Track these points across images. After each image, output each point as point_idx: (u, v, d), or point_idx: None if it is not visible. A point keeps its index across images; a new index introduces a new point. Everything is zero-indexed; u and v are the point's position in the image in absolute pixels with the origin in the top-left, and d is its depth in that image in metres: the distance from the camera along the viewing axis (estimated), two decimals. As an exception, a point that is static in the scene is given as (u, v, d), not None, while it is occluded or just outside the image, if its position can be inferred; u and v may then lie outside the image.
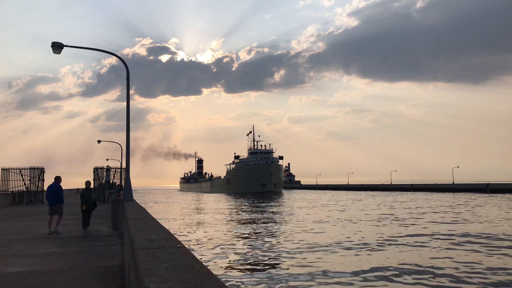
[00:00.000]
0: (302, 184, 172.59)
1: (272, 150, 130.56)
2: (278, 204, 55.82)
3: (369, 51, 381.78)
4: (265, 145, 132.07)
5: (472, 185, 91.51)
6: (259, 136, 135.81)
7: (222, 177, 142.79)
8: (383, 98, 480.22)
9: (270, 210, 44.44)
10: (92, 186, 16.49)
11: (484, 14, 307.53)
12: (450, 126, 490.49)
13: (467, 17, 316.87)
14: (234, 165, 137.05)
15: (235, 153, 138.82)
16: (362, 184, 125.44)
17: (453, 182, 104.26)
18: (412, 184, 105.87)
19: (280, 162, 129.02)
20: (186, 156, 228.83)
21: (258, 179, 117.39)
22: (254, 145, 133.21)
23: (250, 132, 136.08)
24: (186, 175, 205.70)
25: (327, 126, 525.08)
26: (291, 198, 74.03)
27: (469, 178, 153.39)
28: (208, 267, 2.92)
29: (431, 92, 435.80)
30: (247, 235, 24.10)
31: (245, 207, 51.56)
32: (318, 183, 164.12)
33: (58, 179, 15.39)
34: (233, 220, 33.65)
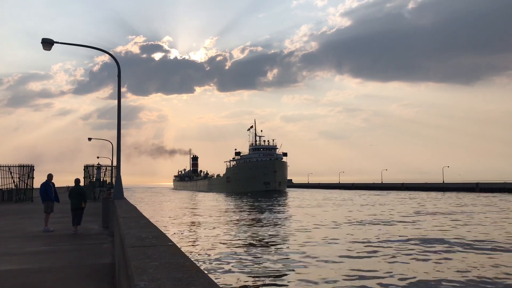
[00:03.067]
0: (294, 182, 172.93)
1: (276, 146, 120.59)
2: (287, 206, 54.78)
3: (361, 51, 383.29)
4: (268, 141, 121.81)
5: (462, 184, 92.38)
6: (261, 131, 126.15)
7: (222, 175, 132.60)
8: (375, 97, 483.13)
9: (283, 212, 40.21)
10: (81, 184, 16.34)
11: (475, 16, 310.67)
12: (441, 126, 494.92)
13: (459, 18, 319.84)
14: (235, 162, 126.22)
15: (235, 149, 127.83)
16: (353, 183, 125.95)
17: (443, 181, 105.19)
18: (403, 183, 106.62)
19: (284, 159, 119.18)
20: (170, 152, 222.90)
21: (261, 177, 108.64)
22: (255, 141, 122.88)
23: (252, 127, 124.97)
24: (180, 173, 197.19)
25: (320, 125, 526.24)
26: (298, 198, 70.44)
27: (459, 177, 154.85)
28: (199, 265, 2.92)
29: (423, 92, 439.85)
30: (241, 235, 24.10)
31: (249, 208, 51.42)
32: (309, 182, 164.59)
33: (47, 176, 15.33)
34: (232, 221, 33.61)
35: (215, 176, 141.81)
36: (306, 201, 58.53)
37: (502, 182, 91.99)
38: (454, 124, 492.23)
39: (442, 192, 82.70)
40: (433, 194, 76.41)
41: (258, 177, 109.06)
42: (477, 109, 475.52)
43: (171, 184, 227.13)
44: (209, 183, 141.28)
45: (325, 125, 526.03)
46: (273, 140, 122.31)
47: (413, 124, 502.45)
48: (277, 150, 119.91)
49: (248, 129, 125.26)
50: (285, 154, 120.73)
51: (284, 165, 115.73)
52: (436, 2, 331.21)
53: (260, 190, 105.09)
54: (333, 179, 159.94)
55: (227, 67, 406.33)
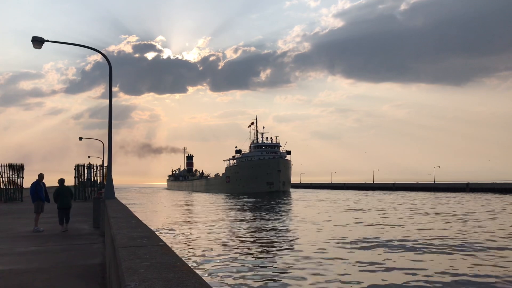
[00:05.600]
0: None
1: (279, 143, 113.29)
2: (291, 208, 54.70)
3: (353, 52, 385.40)
4: (271, 138, 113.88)
5: (452, 184, 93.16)
6: (263, 127, 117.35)
7: (221, 174, 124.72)
8: (367, 98, 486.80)
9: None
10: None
11: (466, 18, 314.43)
12: (432, 127, 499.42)
13: (450, 20, 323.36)
14: (235, 160, 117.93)
15: (236, 147, 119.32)
16: (345, 183, 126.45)
17: (434, 181, 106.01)
18: (394, 183, 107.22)
19: (288, 157, 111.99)
20: (155, 151, 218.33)
21: (264, 176, 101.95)
22: (257, 138, 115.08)
23: (252, 123, 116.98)
24: (174, 172, 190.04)
25: (312, 125, 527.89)
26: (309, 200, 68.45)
27: (450, 177, 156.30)
28: (190, 266, 2.91)
29: (414, 93, 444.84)
30: (237, 236, 24.06)
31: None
32: (301, 182, 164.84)
33: (38, 176, 15.27)
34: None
35: (214, 176, 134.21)
36: (315, 201, 58.59)
37: (492, 182, 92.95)
38: (445, 125, 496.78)
39: (433, 192, 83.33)
40: (427, 194, 76.96)
41: (261, 177, 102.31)
42: (468, 110, 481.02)
43: (164, 184, 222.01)
44: (207, 183, 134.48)
45: (318, 126, 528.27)
46: (276, 138, 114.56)
47: (405, 125, 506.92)
48: (280, 148, 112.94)
49: (249, 126, 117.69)
50: (288, 152, 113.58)
51: (288, 164, 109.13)
52: (427, 4, 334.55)
53: (263, 191, 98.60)
54: (325, 179, 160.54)
55: (220, 67, 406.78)
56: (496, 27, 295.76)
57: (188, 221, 31.85)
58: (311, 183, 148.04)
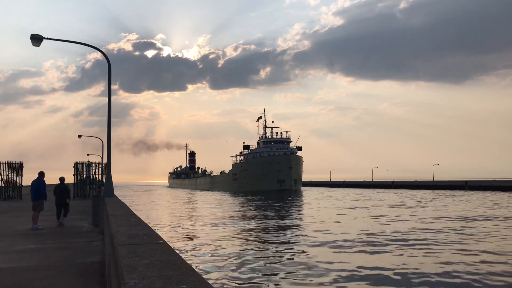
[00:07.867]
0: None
1: (290, 139, 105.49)
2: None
3: (353, 50, 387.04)
4: (280, 133, 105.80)
5: (451, 182, 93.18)
6: (272, 122, 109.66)
7: (227, 172, 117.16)
8: (366, 96, 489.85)
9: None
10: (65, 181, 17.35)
11: (465, 17, 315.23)
12: (430, 124, 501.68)
13: (449, 18, 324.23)
14: (243, 157, 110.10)
15: (244, 142, 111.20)
16: (344, 181, 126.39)
17: (433, 179, 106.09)
18: (393, 181, 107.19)
19: (299, 153, 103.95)
20: (150, 148, 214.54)
21: (275, 174, 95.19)
22: (265, 133, 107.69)
23: (261, 117, 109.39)
24: (176, 169, 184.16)
25: (311, 123, 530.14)
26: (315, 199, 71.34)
27: (449, 175, 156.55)
28: (189, 263, 2.90)
29: (413, 91, 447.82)
30: (236, 234, 24.07)
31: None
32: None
33: (41, 174, 15.31)
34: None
35: (219, 173, 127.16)
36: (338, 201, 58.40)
37: (491, 180, 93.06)
38: (444, 123, 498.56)
39: (432, 190, 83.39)
40: (426, 192, 77.04)
41: (271, 174, 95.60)
42: (466, 108, 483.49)
43: (165, 181, 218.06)
44: (211, 180, 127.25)
45: (317, 123, 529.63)
46: (286, 132, 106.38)
47: (404, 123, 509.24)
48: (291, 143, 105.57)
49: (257, 120, 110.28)
50: (299, 148, 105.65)
51: (300, 161, 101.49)
52: (427, 2, 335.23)
53: (273, 189, 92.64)
54: (324, 177, 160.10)
55: (219, 65, 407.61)
56: (494, 25, 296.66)
57: (190, 220, 31.85)
58: (310, 181, 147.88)
